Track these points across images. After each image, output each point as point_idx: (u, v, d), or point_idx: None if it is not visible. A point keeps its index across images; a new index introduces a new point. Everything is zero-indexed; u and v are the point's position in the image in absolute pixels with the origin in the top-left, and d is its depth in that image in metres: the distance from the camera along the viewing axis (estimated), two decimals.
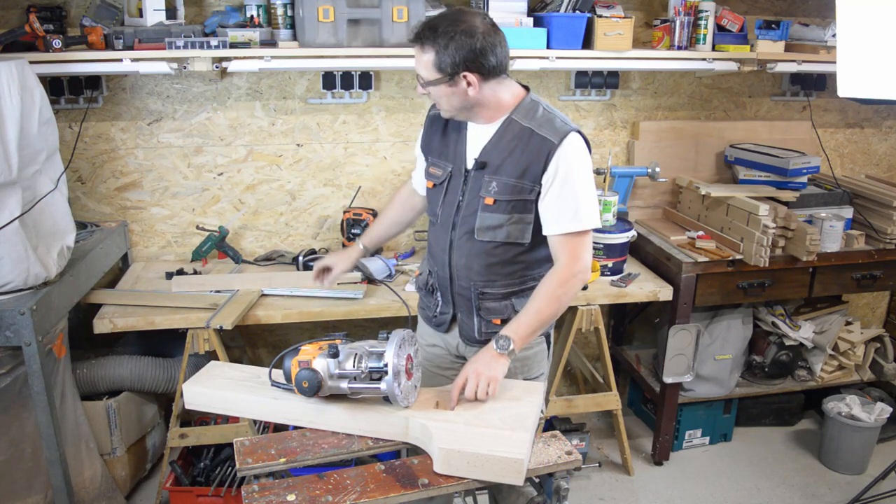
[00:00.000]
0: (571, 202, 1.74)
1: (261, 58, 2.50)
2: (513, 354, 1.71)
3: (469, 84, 1.70)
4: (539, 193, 1.76)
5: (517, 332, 1.71)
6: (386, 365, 1.53)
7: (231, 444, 1.91)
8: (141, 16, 2.52)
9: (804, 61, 2.93)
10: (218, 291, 2.58)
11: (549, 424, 2.89)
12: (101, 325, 2.36)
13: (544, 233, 1.79)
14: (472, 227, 1.81)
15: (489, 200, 1.77)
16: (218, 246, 2.85)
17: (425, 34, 1.68)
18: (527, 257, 1.83)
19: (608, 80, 3.07)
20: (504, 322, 1.83)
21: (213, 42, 2.45)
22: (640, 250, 3.01)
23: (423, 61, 1.70)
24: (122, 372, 2.57)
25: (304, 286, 2.60)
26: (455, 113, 1.79)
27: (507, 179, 1.75)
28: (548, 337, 1.99)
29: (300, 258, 2.79)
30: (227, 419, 2.67)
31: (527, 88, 1.83)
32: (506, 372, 1.70)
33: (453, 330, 1.97)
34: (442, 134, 1.90)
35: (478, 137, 1.81)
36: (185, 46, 2.43)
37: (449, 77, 1.69)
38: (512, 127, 1.76)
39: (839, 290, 3.02)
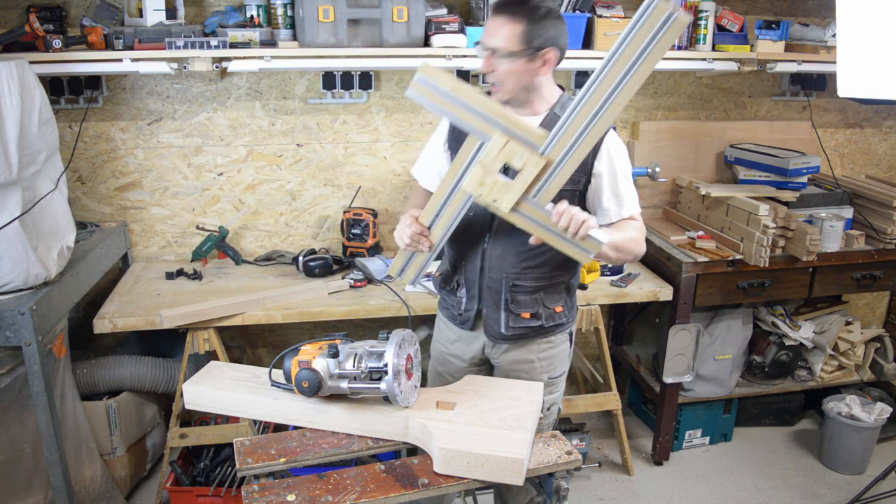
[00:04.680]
0: (624, 189, 1.77)
1: (261, 58, 2.51)
2: (599, 243, 1.60)
3: (545, 63, 1.71)
4: (586, 183, 1.77)
5: (610, 234, 1.70)
6: (386, 365, 1.53)
7: (231, 444, 1.91)
8: (141, 16, 2.52)
9: (804, 61, 2.93)
10: None
11: None
12: (101, 325, 2.35)
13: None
14: None
15: None
16: (218, 246, 2.85)
17: (517, 4, 1.67)
18: (560, 254, 1.70)
19: None
20: (533, 316, 1.84)
21: (213, 42, 2.45)
22: None
23: (506, 32, 1.67)
24: (122, 372, 2.57)
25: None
26: (515, 94, 1.75)
27: None
28: (571, 335, 1.98)
29: (300, 258, 2.78)
30: (227, 419, 2.67)
31: (562, 88, 1.84)
32: (595, 227, 1.60)
33: (479, 328, 1.94)
34: None
35: None
36: (185, 46, 2.43)
37: (534, 51, 1.68)
38: (556, 120, 1.64)
39: (839, 290, 3.02)
